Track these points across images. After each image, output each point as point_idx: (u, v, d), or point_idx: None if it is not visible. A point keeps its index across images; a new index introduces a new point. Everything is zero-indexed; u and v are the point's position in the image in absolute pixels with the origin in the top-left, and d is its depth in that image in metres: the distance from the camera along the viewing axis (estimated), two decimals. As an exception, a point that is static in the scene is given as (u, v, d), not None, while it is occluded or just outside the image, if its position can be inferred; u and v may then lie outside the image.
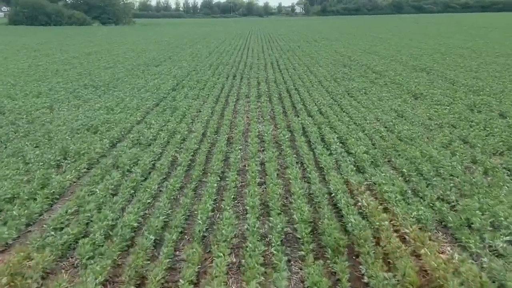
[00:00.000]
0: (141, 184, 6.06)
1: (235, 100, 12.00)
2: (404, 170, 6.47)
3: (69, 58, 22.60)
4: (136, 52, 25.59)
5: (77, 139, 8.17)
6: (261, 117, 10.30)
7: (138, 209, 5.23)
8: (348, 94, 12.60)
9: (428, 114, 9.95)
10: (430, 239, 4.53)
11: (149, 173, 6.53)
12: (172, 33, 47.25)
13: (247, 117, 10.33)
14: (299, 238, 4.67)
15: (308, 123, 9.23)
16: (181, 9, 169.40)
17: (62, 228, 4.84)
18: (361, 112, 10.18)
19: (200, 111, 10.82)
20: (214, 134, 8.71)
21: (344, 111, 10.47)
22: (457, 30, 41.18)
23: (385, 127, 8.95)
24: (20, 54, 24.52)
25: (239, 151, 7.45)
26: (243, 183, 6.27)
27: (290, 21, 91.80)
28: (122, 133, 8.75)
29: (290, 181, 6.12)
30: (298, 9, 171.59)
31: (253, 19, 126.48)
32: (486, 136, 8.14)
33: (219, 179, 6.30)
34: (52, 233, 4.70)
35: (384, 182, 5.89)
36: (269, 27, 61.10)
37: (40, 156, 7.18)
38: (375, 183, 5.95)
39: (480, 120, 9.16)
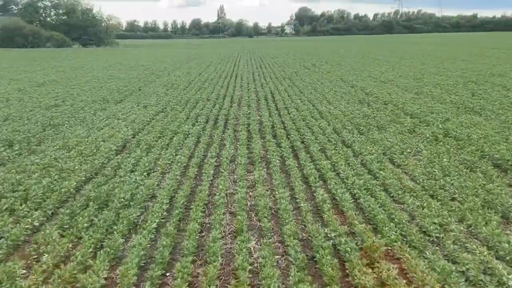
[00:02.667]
0: None
1: (212, 173, 7.50)
2: None
3: (12, 91, 17.86)
4: (101, 82, 21.00)
5: None
6: (255, 217, 5.83)
7: None
8: (389, 159, 8.17)
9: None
10: None
11: None
12: (153, 56, 42.82)
13: (230, 214, 5.88)
14: None
15: (348, 247, 4.72)
16: (169, 29, 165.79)
17: None
18: (428, 208, 5.73)
19: (151, 199, 6.33)
20: (159, 281, 4.16)
21: (397, 201, 6.03)
22: (467, 52, 37.34)
23: (502, 260, 4.49)
24: (-44, 85, 19.85)
25: None
26: None
27: (281, 42, 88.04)
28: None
29: None
30: (288, 29, 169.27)
31: (243, 39, 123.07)
32: None
33: None
34: None
35: None
36: (259, 48, 56.98)
37: None
38: None
39: None
